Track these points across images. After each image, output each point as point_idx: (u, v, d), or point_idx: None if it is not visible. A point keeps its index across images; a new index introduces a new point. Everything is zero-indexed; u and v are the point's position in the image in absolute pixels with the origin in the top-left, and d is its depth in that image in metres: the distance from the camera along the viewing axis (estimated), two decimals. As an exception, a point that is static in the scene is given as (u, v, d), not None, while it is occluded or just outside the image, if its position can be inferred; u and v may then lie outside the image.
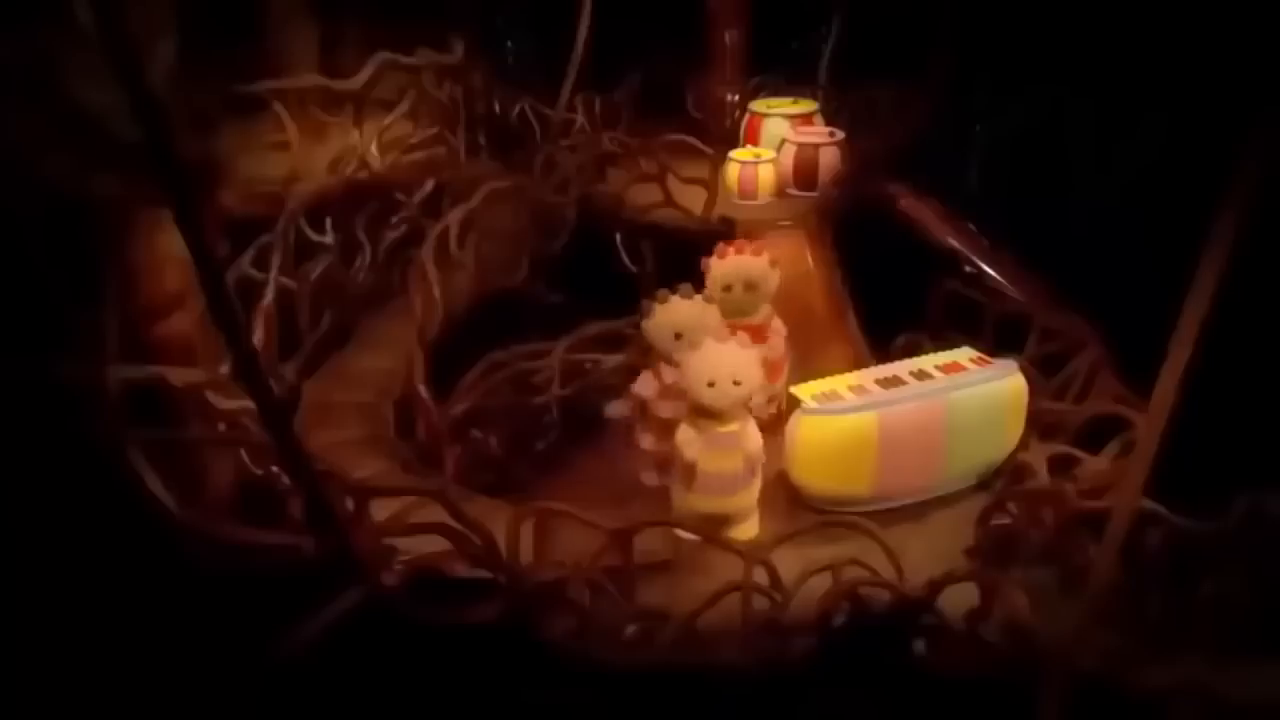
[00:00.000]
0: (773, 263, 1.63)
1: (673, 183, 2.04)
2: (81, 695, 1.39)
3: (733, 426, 1.39)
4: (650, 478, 1.58)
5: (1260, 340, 1.49)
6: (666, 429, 1.47)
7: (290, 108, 1.84)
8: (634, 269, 2.18)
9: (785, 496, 1.55)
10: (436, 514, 1.27)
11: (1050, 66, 2.10)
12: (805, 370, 1.70)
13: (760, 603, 1.25)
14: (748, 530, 1.46)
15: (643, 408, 1.56)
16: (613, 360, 1.92)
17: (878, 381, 1.52)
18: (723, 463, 1.40)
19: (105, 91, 1.08)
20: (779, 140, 2.13)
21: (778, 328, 1.68)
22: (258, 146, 1.85)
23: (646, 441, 1.57)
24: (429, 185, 1.98)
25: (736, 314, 1.62)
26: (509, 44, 2.58)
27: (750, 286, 1.62)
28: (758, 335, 1.64)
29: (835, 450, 1.48)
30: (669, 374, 1.50)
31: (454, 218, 1.89)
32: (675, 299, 1.51)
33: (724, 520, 1.43)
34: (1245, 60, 0.99)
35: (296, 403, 1.70)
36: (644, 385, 1.54)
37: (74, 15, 1.25)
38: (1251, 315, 1.28)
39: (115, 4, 0.82)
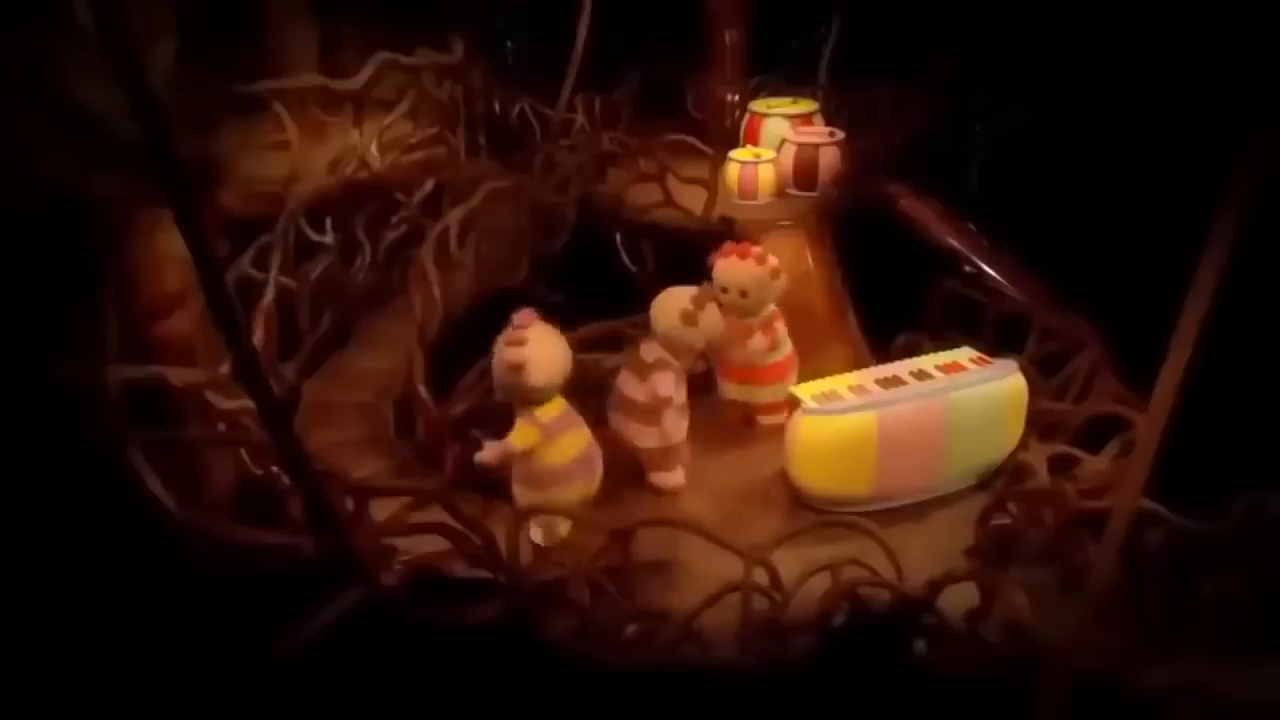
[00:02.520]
0: (775, 273, 1.63)
1: (673, 183, 2.04)
2: (82, 695, 1.39)
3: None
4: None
5: (1260, 340, 1.49)
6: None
7: (290, 108, 1.84)
8: (634, 269, 2.18)
9: (785, 496, 1.55)
10: (436, 514, 1.27)
11: (1050, 66, 2.10)
12: (805, 370, 1.70)
13: (760, 603, 1.25)
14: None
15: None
16: (613, 360, 1.92)
17: (878, 381, 1.52)
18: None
19: (105, 91, 1.08)
20: (779, 140, 2.13)
21: (757, 345, 1.68)
22: (258, 146, 1.85)
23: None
24: (429, 185, 1.98)
25: (739, 314, 1.65)
26: (509, 44, 2.58)
27: (744, 293, 1.62)
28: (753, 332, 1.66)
29: (835, 450, 1.48)
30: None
31: (454, 218, 1.89)
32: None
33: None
34: (1245, 60, 0.99)
35: (296, 403, 1.70)
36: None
37: (74, 15, 1.25)
38: (1251, 315, 1.28)
39: (115, 4, 0.82)
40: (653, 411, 1.52)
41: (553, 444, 1.40)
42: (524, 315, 1.39)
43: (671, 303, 1.51)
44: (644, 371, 1.52)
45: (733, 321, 1.64)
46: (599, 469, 1.47)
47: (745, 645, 1.24)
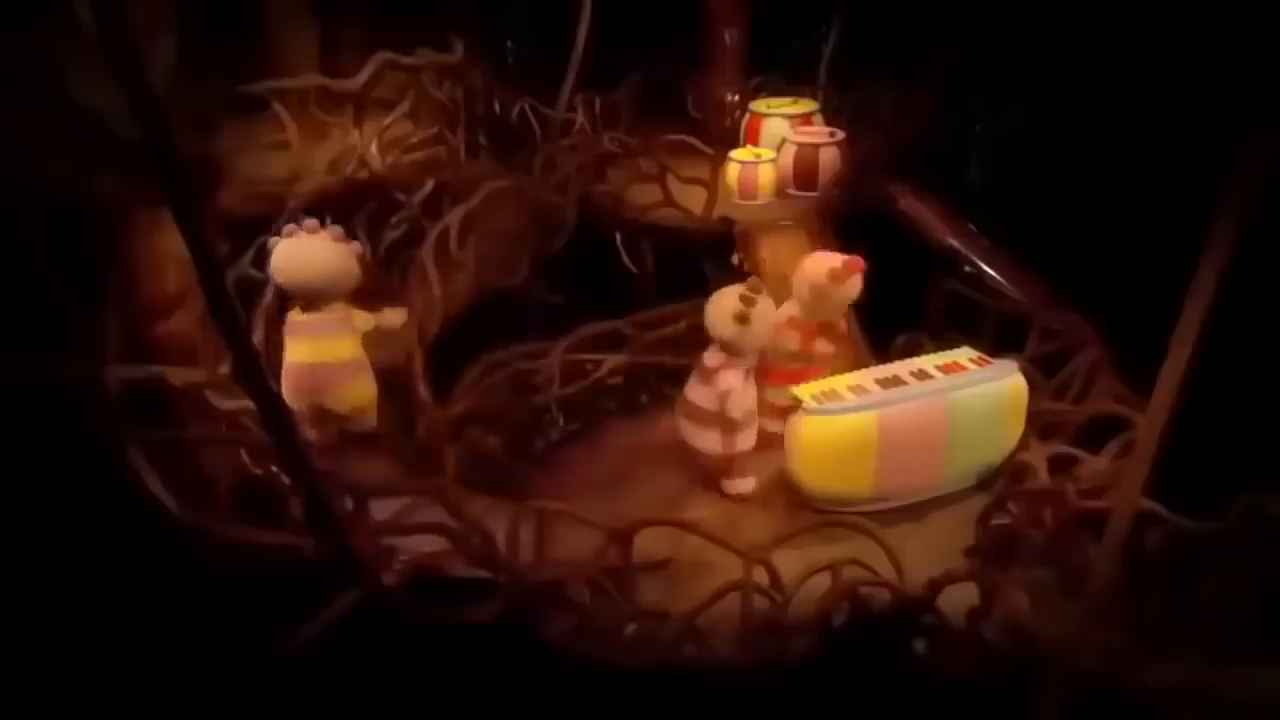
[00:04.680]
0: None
1: (673, 183, 2.04)
2: (82, 695, 1.39)
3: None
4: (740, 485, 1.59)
5: (1260, 340, 1.49)
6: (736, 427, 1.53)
7: (290, 108, 1.84)
8: (634, 269, 2.18)
9: (785, 496, 1.55)
10: (436, 514, 1.27)
11: (1050, 66, 2.10)
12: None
13: (760, 603, 1.25)
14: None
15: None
16: (613, 360, 1.92)
17: (878, 381, 1.52)
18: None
19: (105, 91, 1.08)
20: (779, 140, 2.13)
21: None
22: (258, 146, 1.84)
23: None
24: (429, 185, 1.98)
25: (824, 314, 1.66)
26: (509, 44, 2.58)
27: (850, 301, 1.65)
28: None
29: (835, 450, 1.48)
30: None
31: (454, 218, 1.89)
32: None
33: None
34: (1245, 60, 0.99)
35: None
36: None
37: (74, 15, 1.25)
38: (1251, 315, 1.28)
39: (115, 4, 0.82)
40: (719, 417, 1.50)
41: (304, 343, 1.51)
42: (335, 229, 1.52)
43: (723, 306, 1.48)
44: (708, 377, 1.50)
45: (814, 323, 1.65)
46: (359, 384, 1.54)
47: (745, 645, 1.24)
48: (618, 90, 2.41)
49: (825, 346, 1.65)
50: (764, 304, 1.48)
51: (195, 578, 1.39)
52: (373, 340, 1.58)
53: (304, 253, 1.49)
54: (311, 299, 1.52)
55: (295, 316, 1.52)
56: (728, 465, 1.55)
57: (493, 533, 1.27)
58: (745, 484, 1.57)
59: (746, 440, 1.54)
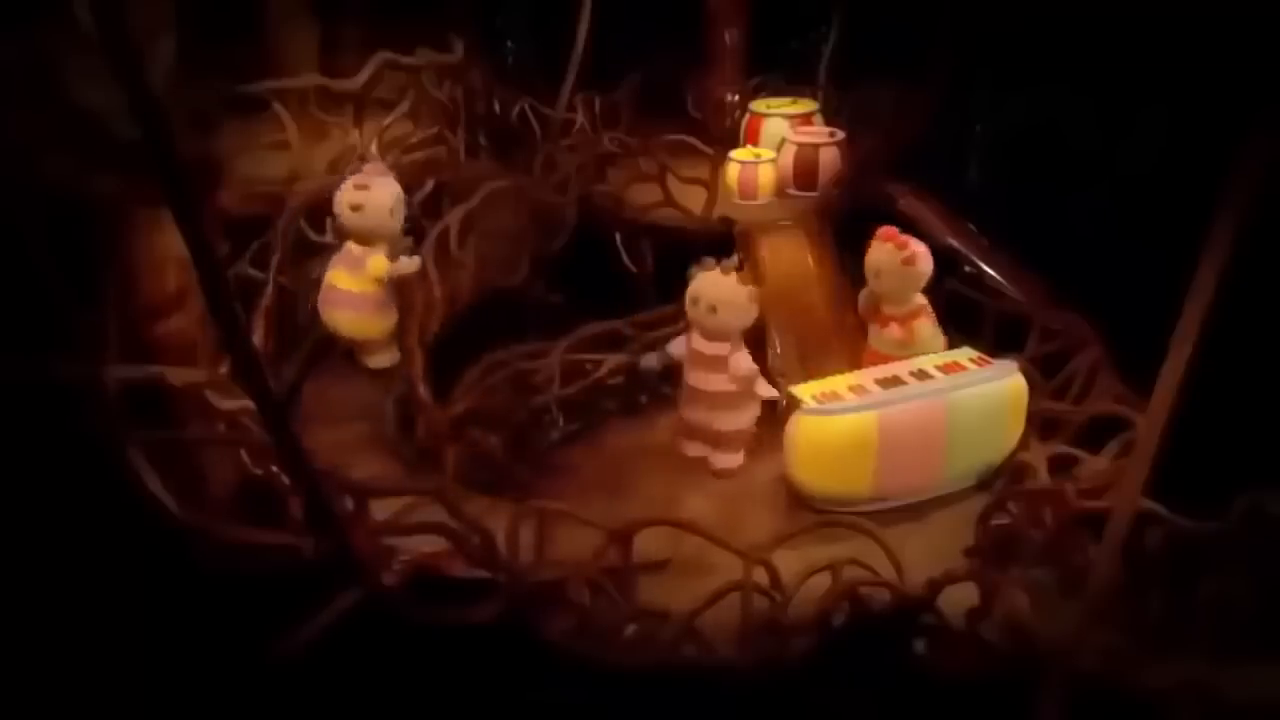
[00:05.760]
0: (909, 260, 1.65)
1: (673, 183, 2.04)
2: (82, 695, 1.39)
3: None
4: (694, 448, 1.65)
5: (1260, 340, 1.49)
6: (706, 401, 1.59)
7: (290, 108, 1.84)
8: (634, 269, 2.18)
9: (785, 496, 1.55)
10: (436, 514, 1.27)
11: (1050, 65, 2.10)
12: (805, 370, 1.70)
13: (760, 603, 1.25)
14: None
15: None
16: (613, 360, 1.92)
17: (878, 381, 1.52)
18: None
19: (105, 91, 1.08)
20: (779, 140, 2.13)
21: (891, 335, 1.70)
22: (258, 146, 1.85)
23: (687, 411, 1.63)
24: (429, 185, 1.98)
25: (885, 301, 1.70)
26: (509, 44, 2.58)
27: (877, 275, 1.67)
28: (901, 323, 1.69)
29: (835, 450, 1.48)
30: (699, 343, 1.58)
31: (454, 218, 1.89)
32: (712, 273, 1.55)
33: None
34: (1245, 60, 0.99)
35: (296, 402, 1.70)
36: (677, 347, 1.62)
37: (74, 15, 1.25)
38: (1251, 315, 1.28)
39: (115, 4, 0.82)
40: (731, 396, 1.57)
41: (335, 268, 1.70)
42: (372, 168, 1.70)
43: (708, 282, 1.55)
44: (706, 362, 1.56)
45: (874, 307, 1.70)
46: (366, 317, 1.71)
47: (745, 645, 1.24)
48: (618, 90, 2.41)
49: (926, 330, 1.69)
50: (730, 287, 1.53)
51: (195, 578, 1.39)
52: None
53: (376, 199, 1.67)
54: (348, 234, 1.70)
55: (352, 246, 1.70)
56: (735, 439, 1.61)
57: (493, 533, 1.26)
58: (735, 459, 1.62)
59: (751, 416, 1.60)
